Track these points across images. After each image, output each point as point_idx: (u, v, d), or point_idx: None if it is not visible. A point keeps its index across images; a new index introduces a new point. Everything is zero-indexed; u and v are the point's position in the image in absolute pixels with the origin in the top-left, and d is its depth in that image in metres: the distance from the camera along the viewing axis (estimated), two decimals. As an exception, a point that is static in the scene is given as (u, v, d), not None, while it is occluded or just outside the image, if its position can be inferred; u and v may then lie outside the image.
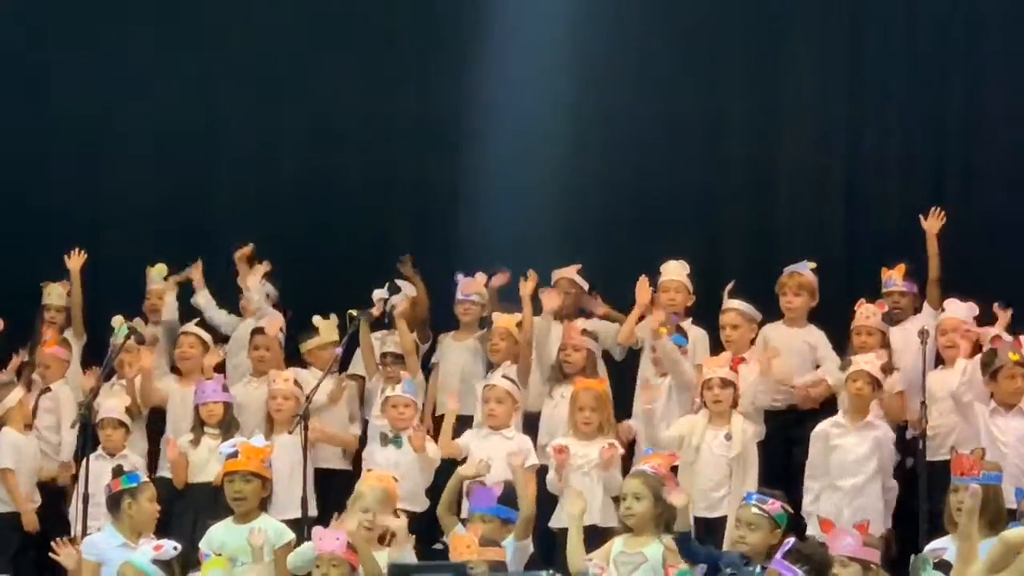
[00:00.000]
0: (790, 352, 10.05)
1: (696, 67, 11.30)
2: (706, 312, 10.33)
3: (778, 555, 7.07)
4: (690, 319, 10.40)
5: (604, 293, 10.76)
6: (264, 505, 8.11)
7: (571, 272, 10.71)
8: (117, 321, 10.60)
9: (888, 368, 9.56)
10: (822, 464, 9.29)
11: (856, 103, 11.15)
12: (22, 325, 11.01)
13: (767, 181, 11.26)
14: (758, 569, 7.58)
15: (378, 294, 10.49)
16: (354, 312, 10.31)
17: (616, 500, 8.50)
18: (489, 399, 9.73)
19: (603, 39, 11.15)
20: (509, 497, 8.19)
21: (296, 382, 9.99)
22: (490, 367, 10.27)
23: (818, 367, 10.10)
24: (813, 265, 10.21)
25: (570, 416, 9.54)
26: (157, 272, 11.25)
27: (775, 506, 7.80)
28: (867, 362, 9.33)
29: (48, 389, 10.64)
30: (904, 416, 9.77)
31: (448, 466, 9.29)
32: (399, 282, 10.80)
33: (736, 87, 11.34)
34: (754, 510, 7.75)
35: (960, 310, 9.75)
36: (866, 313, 9.84)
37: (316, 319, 10.67)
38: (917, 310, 10.10)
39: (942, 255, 10.06)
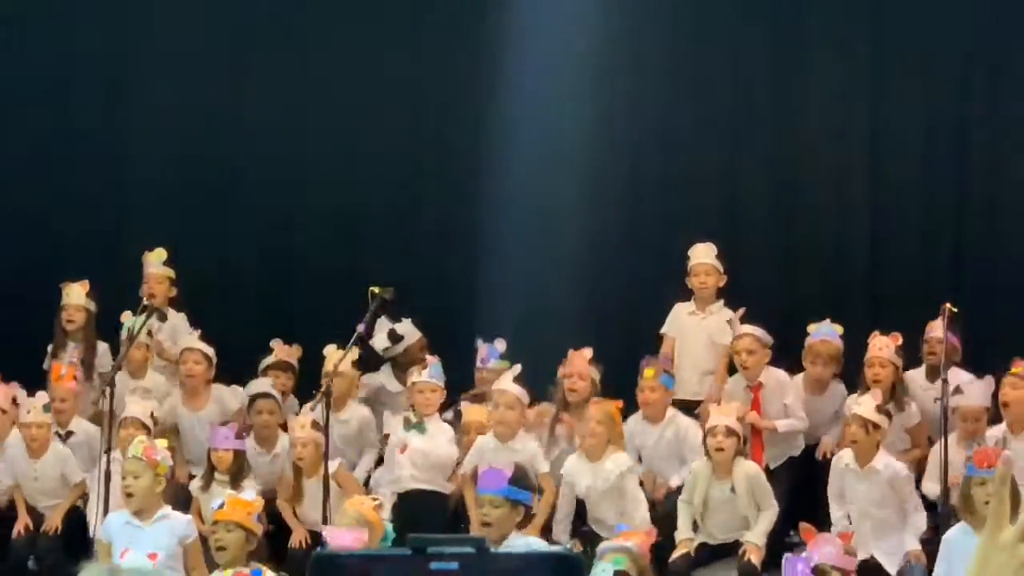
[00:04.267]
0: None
1: (720, 60, 11.28)
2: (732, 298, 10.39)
3: (803, 562, 7.42)
4: (721, 301, 10.40)
5: (627, 292, 10.59)
6: (251, 560, 7.93)
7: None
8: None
9: (894, 400, 9.50)
10: (840, 492, 9.16)
11: (877, 96, 11.10)
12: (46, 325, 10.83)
13: (791, 178, 11.31)
14: None
15: (379, 343, 10.44)
16: (376, 289, 10.08)
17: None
18: (499, 405, 9.52)
19: (629, 29, 11.10)
20: (520, 479, 7.95)
21: (315, 423, 9.44)
22: None
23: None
24: (840, 330, 9.98)
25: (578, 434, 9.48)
26: (156, 257, 10.82)
27: None
28: (860, 404, 9.14)
29: (72, 432, 10.11)
30: (924, 444, 9.66)
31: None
32: (398, 328, 10.58)
33: (760, 81, 11.31)
34: None
35: (976, 395, 9.41)
36: (879, 345, 9.70)
37: (329, 349, 10.08)
38: (957, 364, 9.68)
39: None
